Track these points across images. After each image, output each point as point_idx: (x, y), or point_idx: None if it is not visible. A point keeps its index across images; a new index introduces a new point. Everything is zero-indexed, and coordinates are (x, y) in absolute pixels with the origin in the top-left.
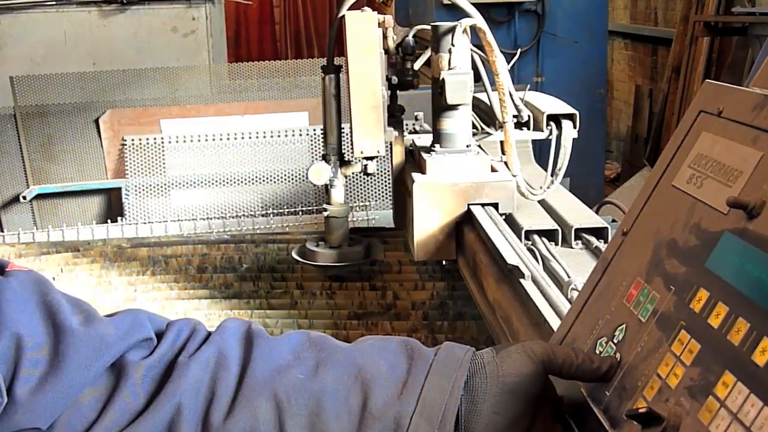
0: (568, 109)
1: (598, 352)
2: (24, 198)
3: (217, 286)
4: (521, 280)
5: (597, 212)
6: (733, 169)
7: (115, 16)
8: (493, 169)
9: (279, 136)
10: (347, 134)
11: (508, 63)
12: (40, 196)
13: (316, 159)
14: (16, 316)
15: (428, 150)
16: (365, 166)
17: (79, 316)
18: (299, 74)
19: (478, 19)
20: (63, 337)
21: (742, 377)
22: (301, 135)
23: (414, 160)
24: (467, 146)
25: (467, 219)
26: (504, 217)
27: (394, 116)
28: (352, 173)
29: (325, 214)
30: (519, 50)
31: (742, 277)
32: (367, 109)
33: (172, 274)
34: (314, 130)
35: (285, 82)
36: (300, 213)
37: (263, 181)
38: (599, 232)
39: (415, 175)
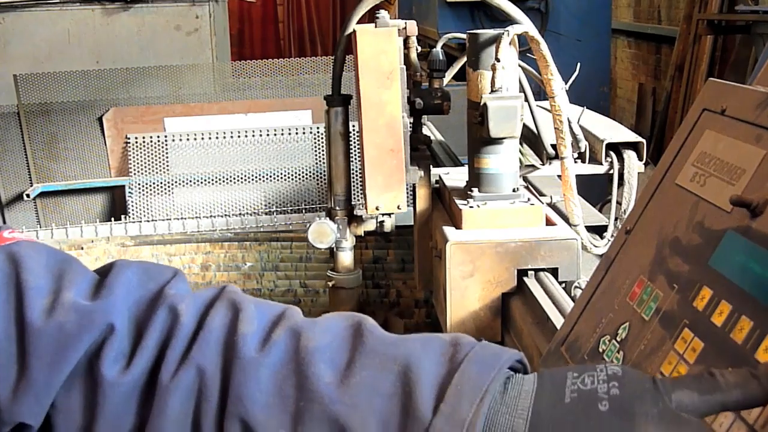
0: (632, 137)
1: (601, 350)
2: (27, 196)
3: (220, 284)
4: (525, 278)
5: (600, 210)
6: (736, 167)
7: (119, 15)
8: (549, 221)
9: (282, 134)
10: (357, 177)
11: (565, 81)
12: (43, 195)
13: (318, 217)
14: None
15: (463, 195)
16: (381, 222)
17: (48, 299)
18: (303, 72)
19: (528, 26)
20: (24, 334)
21: None
22: (304, 133)
23: (443, 205)
24: (514, 190)
25: (517, 289)
26: (565, 286)
27: (418, 150)
28: (364, 232)
29: (330, 283)
30: (579, 65)
31: (746, 275)
32: (384, 153)
33: None
34: (317, 128)
35: (288, 80)
36: (303, 211)
37: (267, 179)
38: (602, 230)
39: (447, 230)
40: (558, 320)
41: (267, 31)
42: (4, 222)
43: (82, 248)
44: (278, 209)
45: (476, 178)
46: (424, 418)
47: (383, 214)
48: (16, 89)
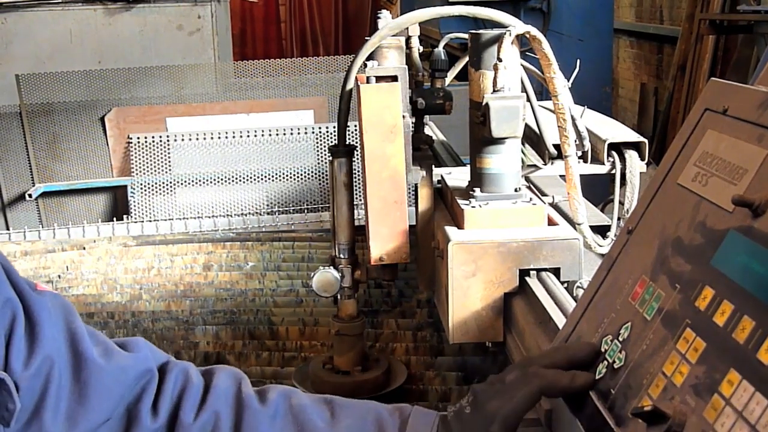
0: (634, 137)
1: (603, 350)
2: (30, 196)
3: (222, 284)
4: (527, 278)
5: (602, 210)
6: (738, 167)
7: (121, 14)
8: (551, 221)
9: (284, 134)
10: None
11: (568, 79)
12: (45, 194)
13: (322, 267)
14: (50, 336)
15: (465, 195)
16: (384, 269)
17: (98, 348)
18: (305, 72)
19: (530, 26)
20: (84, 366)
21: (748, 375)
22: (306, 133)
23: (445, 205)
24: (516, 190)
25: (519, 289)
26: (567, 286)
27: (420, 150)
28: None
29: (333, 331)
30: (578, 61)
31: (748, 275)
32: (388, 205)
33: (177, 272)
34: (319, 128)
35: (290, 80)
36: (306, 211)
37: (269, 179)
38: (604, 230)
39: (449, 230)
40: (560, 320)
41: (269, 30)
42: (6, 223)
43: (84, 248)
44: (280, 209)
45: (478, 178)
46: None
47: (385, 266)
48: (19, 89)
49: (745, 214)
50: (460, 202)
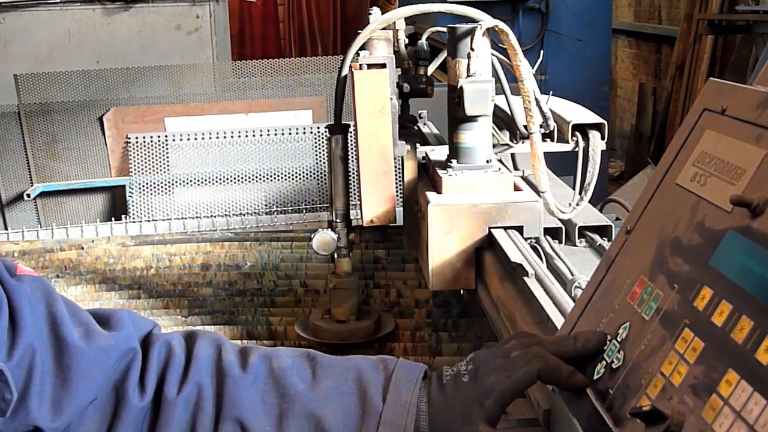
0: (595, 119)
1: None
2: (28, 196)
3: (220, 283)
4: (525, 278)
5: (601, 210)
6: (736, 167)
7: (119, 14)
8: (516, 188)
9: (283, 134)
10: (355, 195)
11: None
12: (44, 194)
13: (321, 229)
14: (30, 324)
15: (444, 166)
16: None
17: (79, 329)
18: (303, 72)
19: (499, 21)
20: (65, 350)
21: (746, 375)
22: (305, 133)
23: (427, 176)
24: (487, 161)
25: (488, 244)
26: (530, 242)
27: (406, 128)
28: (361, 231)
29: (331, 285)
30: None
31: (746, 275)
32: (377, 174)
33: (176, 272)
34: (318, 128)
35: (289, 80)
36: (304, 211)
37: (267, 179)
38: (603, 230)
39: (430, 195)
40: (558, 320)
41: (267, 30)
42: (4, 222)
43: (82, 248)
44: (279, 209)
45: (455, 152)
46: (377, 405)
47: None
48: (17, 89)
49: (743, 214)
50: (440, 171)
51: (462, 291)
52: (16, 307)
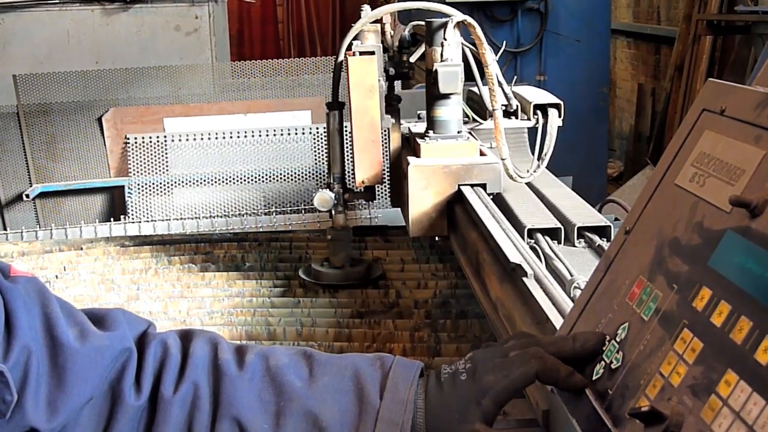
0: (553, 99)
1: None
2: (27, 196)
3: (220, 284)
4: (524, 279)
5: (600, 211)
6: (735, 167)
7: (118, 15)
8: (482, 153)
9: (282, 134)
10: (350, 162)
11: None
12: (43, 195)
13: (321, 187)
14: (26, 325)
15: (422, 136)
16: (365, 191)
17: (74, 330)
18: (302, 73)
19: (467, 16)
20: (60, 351)
21: (745, 376)
22: (303, 133)
23: (410, 145)
24: (458, 132)
25: (458, 198)
26: (492, 196)
27: (392, 105)
28: (355, 200)
29: (329, 237)
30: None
31: (745, 275)
32: (367, 143)
33: (175, 273)
34: (317, 128)
35: (288, 80)
36: (303, 211)
37: (266, 179)
38: (602, 231)
39: (411, 159)
40: (557, 321)
41: (266, 31)
42: (3, 223)
43: (81, 249)
44: (278, 209)
45: (431, 124)
46: (375, 402)
47: (367, 186)
48: (16, 89)
49: (742, 214)
50: (419, 140)
51: (437, 237)
52: (10, 309)
